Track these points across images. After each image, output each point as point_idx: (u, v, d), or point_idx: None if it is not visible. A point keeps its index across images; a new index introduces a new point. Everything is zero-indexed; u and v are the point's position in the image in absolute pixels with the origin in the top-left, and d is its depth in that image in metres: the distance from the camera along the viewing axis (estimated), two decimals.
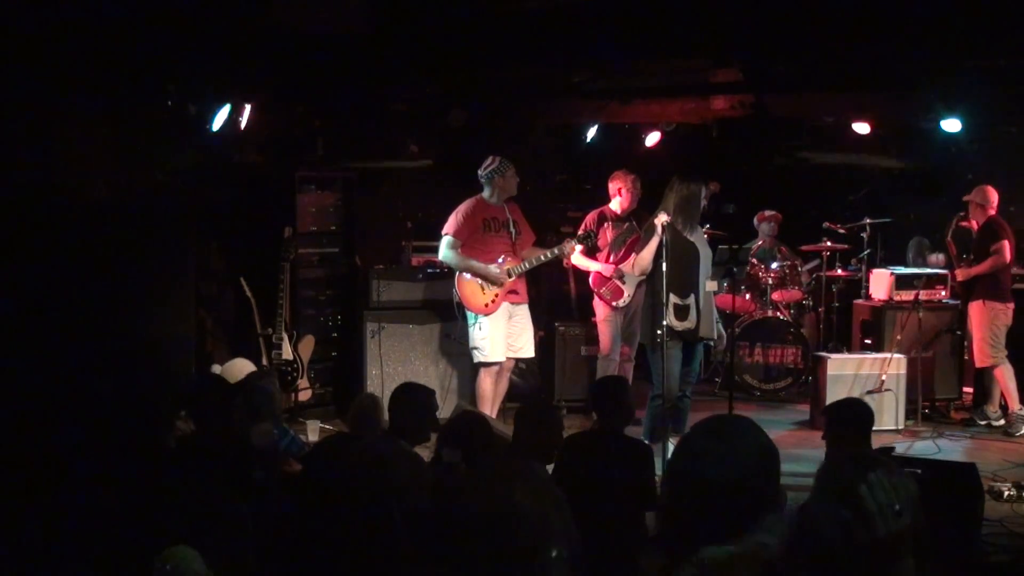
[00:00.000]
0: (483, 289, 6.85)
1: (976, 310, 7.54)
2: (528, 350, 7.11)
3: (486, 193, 6.96)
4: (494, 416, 6.73)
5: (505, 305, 6.88)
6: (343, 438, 5.09)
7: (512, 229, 6.96)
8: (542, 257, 6.97)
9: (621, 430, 4.85)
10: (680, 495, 2.03)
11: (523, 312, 7.04)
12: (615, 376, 6.77)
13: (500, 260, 6.86)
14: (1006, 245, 7.44)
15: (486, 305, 6.84)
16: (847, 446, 4.32)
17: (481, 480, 1.97)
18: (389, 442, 4.57)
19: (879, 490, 1.99)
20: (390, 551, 3.41)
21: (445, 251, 6.91)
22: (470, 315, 6.91)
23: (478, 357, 6.91)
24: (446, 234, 6.90)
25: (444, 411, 7.28)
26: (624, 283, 7.38)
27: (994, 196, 7.62)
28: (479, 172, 6.94)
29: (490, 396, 6.92)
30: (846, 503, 1.98)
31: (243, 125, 7.09)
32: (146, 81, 6.16)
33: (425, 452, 4.75)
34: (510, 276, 6.86)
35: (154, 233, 6.77)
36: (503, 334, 6.89)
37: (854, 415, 4.77)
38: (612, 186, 7.58)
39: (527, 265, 6.94)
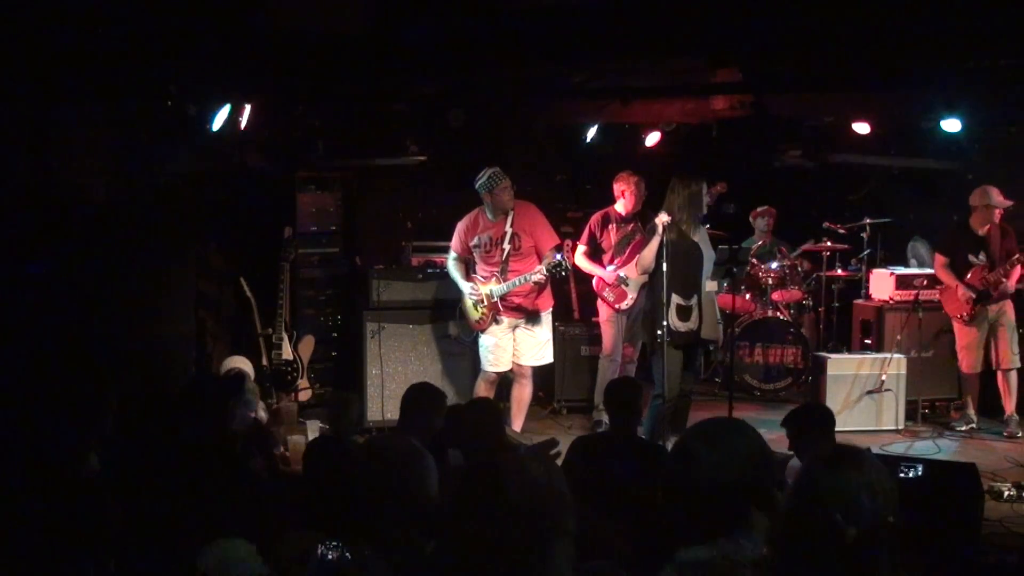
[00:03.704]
0: (475, 306, 6.90)
1: (1012, 309, 7.48)
2: (528, 359, 6.95)
3: (485, 207, 6.85)
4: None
5: (506, 320, 6.84)
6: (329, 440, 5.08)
7: (507, 245, 6.76)
8: (518, 281, 6.69)
9: (634, 432, 4.84)
10: (673, 499, 2.03)
11: (530, 322, 6.89)
12: (629, 378, 6.76)
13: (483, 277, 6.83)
14: None
15: (477, 322, 6.90)
16: (817, 449, 4.36)
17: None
18: (399, 439, 4.57)
19: (854, 487, 1.99)
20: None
21: (448, 264, 7.11)
22: None
23: (481, 363, 7.00)
24: (450, 248, 7.06)
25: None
26: (628, 287, 7.37)
27: (997, 193, 7.47)
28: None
29: None
30: (823, 503, 1.99)
31: (243, 125, 7.08)
32: (146, 81, 6.16)
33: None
34: (493, 296, 6.77)
35: (154, 233, 6.77)
36: (504, 348, 6.89)
37: (820, 418, 4.78)
38: (616, 188, 7.56)
39: (506, 288, 6.71)
